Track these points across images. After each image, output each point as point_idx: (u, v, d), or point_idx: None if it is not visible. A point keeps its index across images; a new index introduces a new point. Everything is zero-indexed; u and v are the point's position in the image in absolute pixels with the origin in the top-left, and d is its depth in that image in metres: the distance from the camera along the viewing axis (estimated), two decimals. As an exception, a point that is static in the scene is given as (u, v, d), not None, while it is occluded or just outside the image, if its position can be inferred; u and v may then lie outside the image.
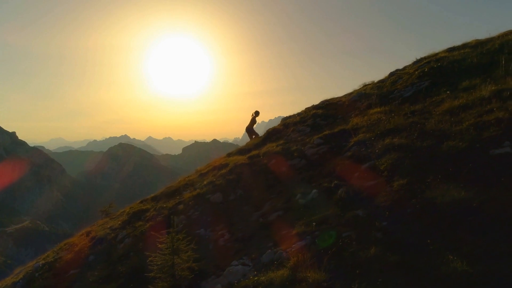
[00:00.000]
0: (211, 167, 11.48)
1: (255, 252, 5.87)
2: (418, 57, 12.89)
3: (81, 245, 9.71)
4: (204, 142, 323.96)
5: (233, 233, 7.11)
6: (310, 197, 6.78)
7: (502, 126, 5.69)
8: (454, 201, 4.67)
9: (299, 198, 6.94)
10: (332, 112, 11.37)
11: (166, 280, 5.63)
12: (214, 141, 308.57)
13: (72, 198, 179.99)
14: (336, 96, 13.64)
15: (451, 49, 11.69)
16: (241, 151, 12.31)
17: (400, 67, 13.21)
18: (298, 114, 13.03)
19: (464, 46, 11.56)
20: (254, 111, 15.42)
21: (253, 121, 15.14)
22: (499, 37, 11.07)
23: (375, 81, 13.22)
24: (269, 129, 13.24)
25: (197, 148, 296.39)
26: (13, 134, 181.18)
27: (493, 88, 7.11)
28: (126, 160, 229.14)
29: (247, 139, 15.00)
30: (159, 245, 5.82)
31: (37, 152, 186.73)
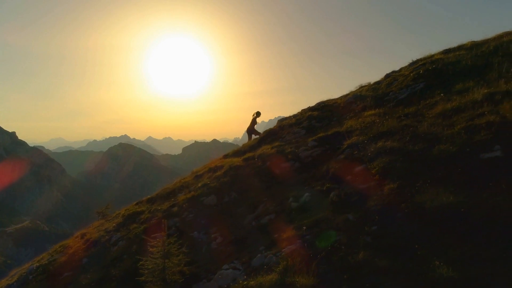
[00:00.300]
0: (206, 168, 11.49)
1: (246, 255, 5.88)
2: (414, 59, 12.89)
3: (75, 247, 9.72)
4: (204, 142, 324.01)
5: (226, 236, 7.12)
6: (302, 200, 6.79)
7: (492, 130, 5.69)
8: (443, 205, 4.68)
9: (291, 201, 6.94)
10: (328, 114, 11.38)
11: (157, 284, 5.63)
12: (214, 141, 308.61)
13: (72, 198, 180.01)
14: (332, 98, 13.65)
15: (446, 51, 11.69)
16: (237, 152, 12.32)
17: (398, 68, 13.21)
18: (294, 116, 13.04)
19: (460, 48, 11.56)
20: (255, 112, 15.12)
21: (253, 122, 14.89)
22: (494, 39, 11.08)
23: (371, 83, 13.23)
24: (265, 130, 13.25)
25: (197, 148, 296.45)
26: (13, 134, 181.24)
27: (485, 91, 7.12)
28: (126, 160, 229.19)
29: (247, 139, 14.89)
30: (150, 249, 5.82)
31: (37, 152, 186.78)
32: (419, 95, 9.21)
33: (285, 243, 5.62)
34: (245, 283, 4.93)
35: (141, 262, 5.78)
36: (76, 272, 8.24)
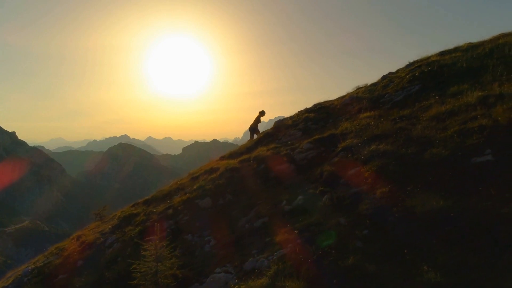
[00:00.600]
0: (202, 170, 11.50)
1: (238, 259, 5.89)
2: (411, 60, 12.91)
3: (70, 249, 9.73)
4: (204, 142, 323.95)
5: (220, 238, 7.13)
6: (295, 204, 6.80)
7: (484, 134, 5.70)
8: (433, 210, 4.69)
9: (285, 204, 6.95)
10: (324, 115, 11.39)
11: (149, 288, 5.64)
12: (214, 141, 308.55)
13: (72, 198, 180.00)
14: (329, 99, 13.66)
15: (442, 53, 11.70)
16: (234, 154, 12.33)
17: (397, 68, 13.18)
18: (291, 117, 13.06)
19: (456, 49, 11.56)
20: (260, 111, 15.57)
21: (257, 120, 15.26)
22: (491, 40, 11.08)
23: (368, 84, 13.24)
24: (262, 132, 13.26)
25: (197, 148, 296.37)
26: (13, 134, 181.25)
27: (479, 94, 7.12)
28: (126, 160, 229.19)
29: (247, 139, 15.00)
30: (143, 252, 5.83)
31: (37, 152, 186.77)
32: (415, 97, 9.21)
33: (277, 246, 5.63)
34: (236, 287, 4.95)
35: (133, 266, 5.79)
36: (71, 275, 8.25)
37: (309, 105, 13.75)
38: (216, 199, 8.80)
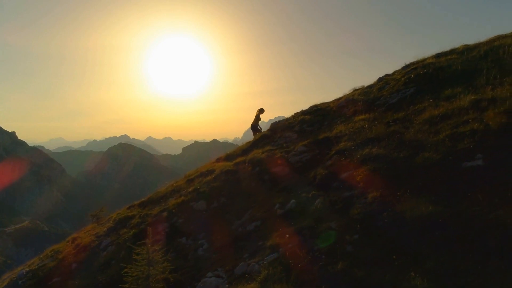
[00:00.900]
0: (198, 172, 11.50)
1: (230, 263, 5.89)
2: (407, 62, 12.90)
3: (65, 252, 9.73)
4: (204, 142, 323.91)
5: (213, 242, 7.13)
6: (288, 207, 6.80)
7: (476, 138, 5.70)
8: (422, 215, 4.69)
9: (277, 208, 6.96)
10: (319, 118, 11.39)
11: (140, 292, 5.65)
12: (214, 141, 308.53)
13: (72, 198, 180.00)
14: (325, 101, 13.66)
15: (438, 55, 11.69)
16: (230, 156, 12.33)
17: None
18: (287, 119, 13.06)
19: (452, 51, 11.55)
20: (258, 108, 15.34)
21: (257, 118, 15.14)
22: (486, 43, 11.08)
23: (365, 86, 13.24)
24: (258, 134, 13.26)
25: (197, 148, 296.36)
26: (13, 134, 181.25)
27: (472, 97, 7.12)
28: (126, 160, 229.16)
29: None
30: (135, 256, 5.84)
31: (37, 152, 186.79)
32: (409, 100, 9.21)
33: (268, 251, 5.64)
34: (226, 292, 4.96)
35: (125, 270, 5.80)
36: (66, 278, 8.25)
37: (309, 105, 13.75)
38: (210, 202, 8.81)
